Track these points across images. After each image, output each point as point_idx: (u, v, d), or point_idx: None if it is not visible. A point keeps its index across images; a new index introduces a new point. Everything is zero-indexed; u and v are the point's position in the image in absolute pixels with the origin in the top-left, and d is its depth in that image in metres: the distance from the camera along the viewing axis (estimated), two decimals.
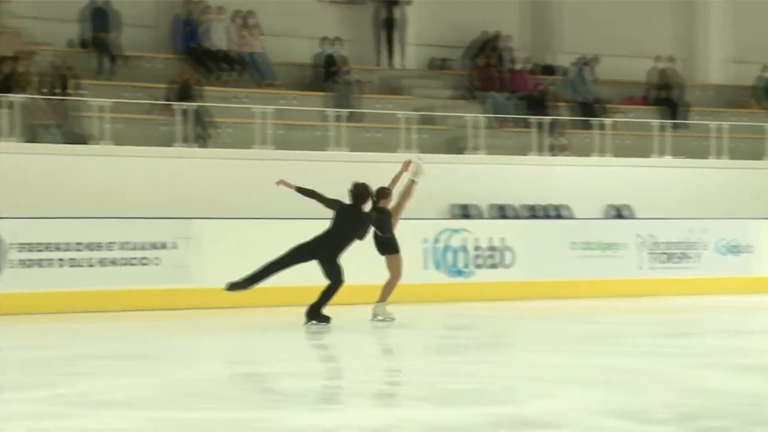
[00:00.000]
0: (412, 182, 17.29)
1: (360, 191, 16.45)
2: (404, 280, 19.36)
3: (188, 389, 11.83)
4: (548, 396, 11.28)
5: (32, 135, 19.60)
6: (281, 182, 16.52)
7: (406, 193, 17.24)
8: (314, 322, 16.00)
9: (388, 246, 16.88)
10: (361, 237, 16.40)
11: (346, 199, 16.34)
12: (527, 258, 20.83)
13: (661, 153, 24.84)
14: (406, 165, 17.26)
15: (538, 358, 14.48)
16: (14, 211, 17.46)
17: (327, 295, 16.09)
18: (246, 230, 18.71)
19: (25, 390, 11.92)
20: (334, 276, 16.10)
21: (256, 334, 16.35)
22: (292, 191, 16.46)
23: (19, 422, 9.98)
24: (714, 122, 25.71)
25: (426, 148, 22.48)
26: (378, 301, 16.86)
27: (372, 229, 16.63)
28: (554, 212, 23.08)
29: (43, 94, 20.33)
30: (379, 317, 16.77)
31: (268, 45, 24.02)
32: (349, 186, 16.50)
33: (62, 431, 9.60)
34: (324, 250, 16.08)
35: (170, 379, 12.44)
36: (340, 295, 16.17)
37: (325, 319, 16.08)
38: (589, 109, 26.05)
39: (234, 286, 15.82)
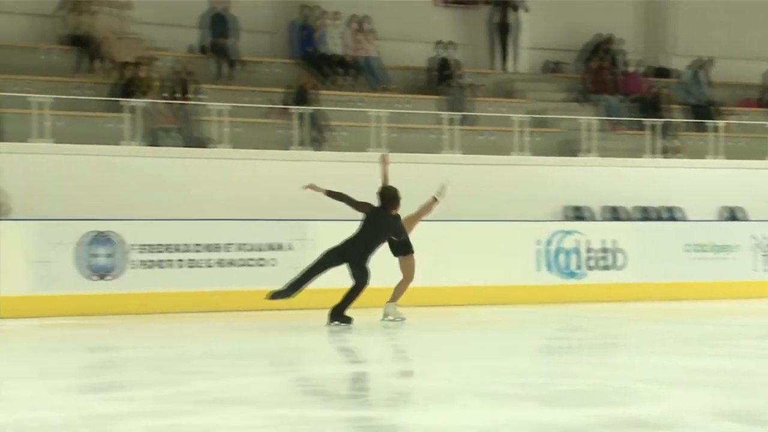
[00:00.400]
0: (434, 200, 17.33)
1: (391, 195, 16.47)
2: (518, 281, 19.41)
3: (305, 388, 11.93)
4: (660, 398, 11.20)
5: (153, 139, 19.86)
6: (310, 186, 16.51)
7: (426, 209, 17.29)
8: (336, 322, 15.95)
9: (402, 247, 16.83)
10: (389, 239, 16.52)
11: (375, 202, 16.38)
12: (639, 260, 20.68)
13: None
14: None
15: (650, 360, 14.37)
16: (135, 213, 17.73)
17: (351, 297, 16.03)
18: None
19: (145, 388, 12.09)
20: (360, 278, 16.06)
21: (365, 334, 16.39)
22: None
23: (139, 420, 10.13)
24: None
25: (539, 151, 22.45)
26: (389, 301, 16.80)
27: None
28: (667, 214, 22.89)
29: (163, 98, 20.58)
30: (390, 317, 16.71)
31: (382, 49, 24.11)
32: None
33: (181, 428, 9.73)
34: (354, 253, 16.05)
35: (287, 378, 12.55)
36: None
37: (347, 320, 16.03)
38: (703, 111, 25.80)
39: (277, 295, 15.82)
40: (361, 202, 16.30)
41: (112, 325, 15.70)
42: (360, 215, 16.23)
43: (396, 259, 16.81)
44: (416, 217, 17.19)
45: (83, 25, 21.87)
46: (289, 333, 16.22)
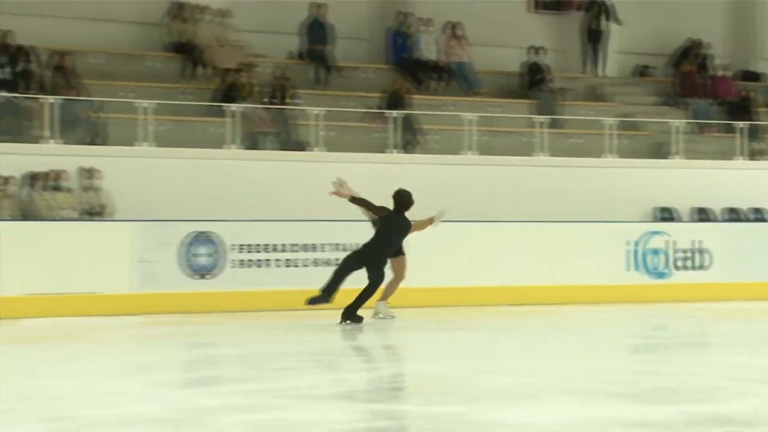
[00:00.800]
0: (430, 221, 16.85)
1: (407, 198, 16.34)
2: (607, 281, 19.28)
3: (395, 384, 11.94)
4: (748, 395, 11.09)
5: (253, 142, 19.98)
6: (337, 192, 16.35)
7: (418, 227, 16.77)
8: (348, 321, 15.85)
9: (396, 250, 16.63)
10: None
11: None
12: (726, 260, 20.45)
13: None
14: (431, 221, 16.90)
15: (737, 359, 14.22)
16: (235, 214, 17.83)
17: (364, 297, 15.98)
18: (449, 232, 18.74)
19: (242, 383, 12.17)
20: (375, 280, 16.06)
21: (449, 331, 16.35)
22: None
23: (237, 414, 10.18)
24: None
25: (628, 153, 22.29)
26: (380, 299, 16.55)
27: None
28: (754, 216, 22.61)
29: (263, 103, 20.70)
30: (380, 315, 16.49)
31: (474, 54, 24.05)
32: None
33: (278, 423, 9.77)
34: (373, 257, 16.02)
35: (377, 375, 12.56)
36: None
37: (359, 320, 15.94)
38: None
39: (314, 301, 15.81)
40: (380, 207, 16.26)
41: (211, 322, 15.81)
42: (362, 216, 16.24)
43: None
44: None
45: (187, 33, 22.07)
46: (380, 331, 16.23)
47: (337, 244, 18.01)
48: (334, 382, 12.03)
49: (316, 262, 17.86)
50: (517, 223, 19.32)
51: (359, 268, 15.99)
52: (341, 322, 15.82)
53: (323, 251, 18.02)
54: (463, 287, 18.43)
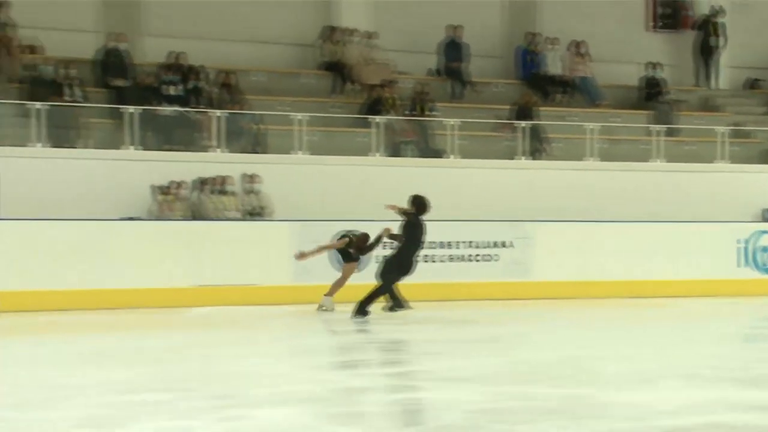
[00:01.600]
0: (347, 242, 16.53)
1: (426, 203, 15.81)
2: (720, 276, 19.02)
3: (527, 369, 11.88)
4: None
5: (395, 150, 20.05)
6: (390, 207, 15.78)
7: (331, 246, 16.49)
8: (360, 316, 15.33)
9: (352, 255, 16.39)
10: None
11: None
12: None
13: None
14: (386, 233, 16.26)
15: None
16: (378, 215, 17.83)
17: (375, 295, 15.51)
18: (574, 231, 18.66)
19: (384, 367, 12.21)
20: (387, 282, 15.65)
21: (574, 321, 16.21)
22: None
23: (381, 394, 10.23)
24: None
25: (738, 159, 21.91)
26: (327, 294, 16.10)
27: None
28: None
29: (404, 115, 20.76)
30: (324, 307, 16.05)
31: (596, 69, 23.86)
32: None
33: (419, 402, 9.79)
34: (410, 263, 15.63)
35: (505, 360, 12.51)
36: None
37: (365, 314, 15.40)
38: None
39: (357, 315, 15.33)
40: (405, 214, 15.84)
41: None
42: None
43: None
44: (326, 248, 16.71)
45: (337, 53, 22.25)
46: (512, 322, 16.16)
47: (471, 242, 17.99)
48: (468, 366, 12.01)
49: (451, 258, 17.85)
50: (636, 224, 19.11)
51: (400, 280, 15.71)
52: (353, 317, 15.30)
53: (458, 248, 18.00)
54: (590, 281, 18.29)
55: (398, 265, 15.48)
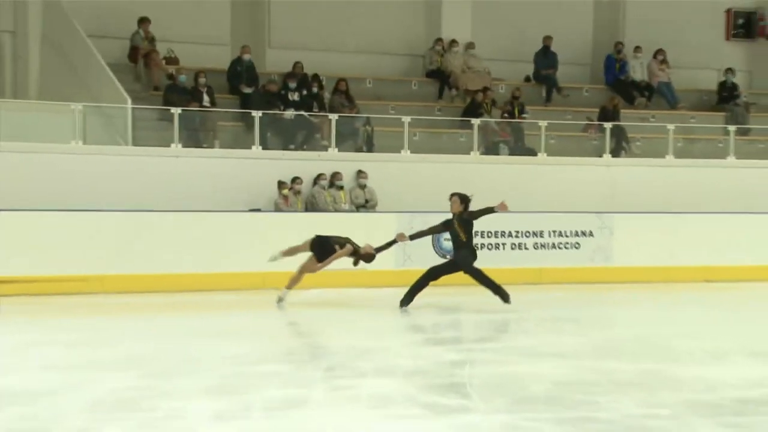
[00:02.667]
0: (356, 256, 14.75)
1: (469, 199, 14.63)
2: None
3: (606, 345, 11.83)
4: None
5: (491, 149, 20.00)
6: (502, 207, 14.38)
7: (338, 255, 14.64)
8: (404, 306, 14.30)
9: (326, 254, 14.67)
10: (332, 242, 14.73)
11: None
12: None
13: None
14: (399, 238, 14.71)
15: None
16: (479, 206, 17.84)
17: (491, 284, 14.27)
18: (652, 222, 18.48)
19: (478, 343, 12.23)
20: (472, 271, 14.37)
21: (651, 302, 16.04)
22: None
23: (480, 367, 10.26)
24: None
25: None
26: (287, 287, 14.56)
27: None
28: None
29: (501, 117, 20.70)
30: (281, 300, 14.41)
31: (676, 75, 23.54)
32: None
33: (515, 375, 9.81)
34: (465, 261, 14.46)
35: (592, 338, 12.45)
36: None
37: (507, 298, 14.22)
38: None
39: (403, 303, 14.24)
40: (441, 224, 14.61)
41: (455, 294, 15.83)
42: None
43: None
44: (333, 258, 14.76)
45: (442, 62, 22.27)
46: (597, 304, 16.04)
47: (555, 231, 17.89)
48: (554, 343, 11.98)
49: (535, 246, 17.73)
50: (709, 215, 18.87)
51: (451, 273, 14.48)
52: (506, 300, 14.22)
53: (543, 237, 17.89)
54: (666, 266, 18.09)
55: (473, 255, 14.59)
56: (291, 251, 14.63)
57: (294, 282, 14.51)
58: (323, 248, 14.54)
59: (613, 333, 12.80)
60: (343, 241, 14.60)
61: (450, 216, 14.50)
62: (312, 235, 14.72)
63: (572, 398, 8.75)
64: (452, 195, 14.62)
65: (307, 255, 14.69)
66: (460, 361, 10.64)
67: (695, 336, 12.46)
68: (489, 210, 14.34)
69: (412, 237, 14.69)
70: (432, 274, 14.32)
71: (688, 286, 17.40)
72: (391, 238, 14.61)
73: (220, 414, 8.08)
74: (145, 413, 8.08)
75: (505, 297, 14.16)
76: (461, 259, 14.33)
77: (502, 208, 14.27)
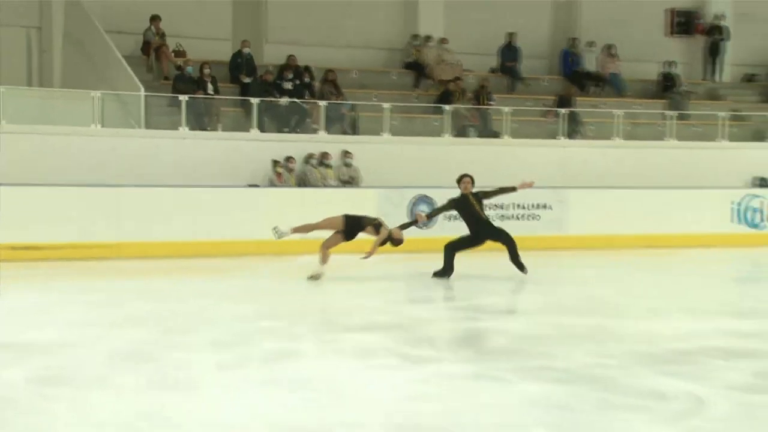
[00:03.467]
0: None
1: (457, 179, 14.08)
2: (717, 231, 18.74)
3: (561, 304, 11.83)
4: None
5: (460, 132, 19.96)
6: (524, 185, 13.93)
7: (378, 241, 13.38)
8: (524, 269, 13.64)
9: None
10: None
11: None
12: None
13: None
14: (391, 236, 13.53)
15: None
16: (446, 182, 17.77)
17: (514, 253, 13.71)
18: (602, 196, 18.50)
19: (446, 301, 12.19)
20: (507, 239, 13.84)
21: (606, 267, 16.06)
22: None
23: (440, 324, 10.27)
24: None
25: (736, 138, 21.47)
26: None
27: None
28: None
29: (471, 104, 20.64)
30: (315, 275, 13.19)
31: (623, 67, 23.51)
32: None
33: (470, 330, 9.81)
34: (485, 231, 13.91)
35: (549, 297, 12.43)
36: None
37: (524, 269, 13.59)
38: None
39: (437, 275, 13.57)
40: (452, 202, 14.00)
41: (430, 259, 15.80)
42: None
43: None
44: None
45: (418, 55, 22.19)
46: (544, 268, 16.06)
47: (518, 204, 17.87)
48: (514, 302, 12.00)
49: (501, 218, 17.64)
50: (651, 190, 18.92)
51: (477, 245, 13.91)
52: (523, 271, 13.66)
53: (507, 209, 17.86)
54: (614, 235, 18.10)
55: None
56: (303, 229, 13.43)
57: (326, 258, 13.29)
58: (354, 227, 13.47)
59: (567, 292, 12.83)
60: (375, 222, 13.54)
61: (457, 195, 13.87)
62: (338, 215, 13.56)
63: (531, 350, 8.80)
64: (465, 176, 13.94)
65: (328, 232, 13.44)
66: (433, 318, 10.67)
67: (638, 295, 12.52)
68: (505, 189, 13.84)
69: (429, 216, 14.21)
70: (455, 249, 13.61)
71: (632, 252, 17.47)
72: (395, 221, 14.09)
73: (222, 364, 8.09)
74: (156, 363, 8.09)
75: (522, 268, 13.51)
76: (500, 232, 13.72)
77: (525, 186, 13.77)
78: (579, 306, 11.49)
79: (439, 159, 18.53)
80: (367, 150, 18.43)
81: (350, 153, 18.32)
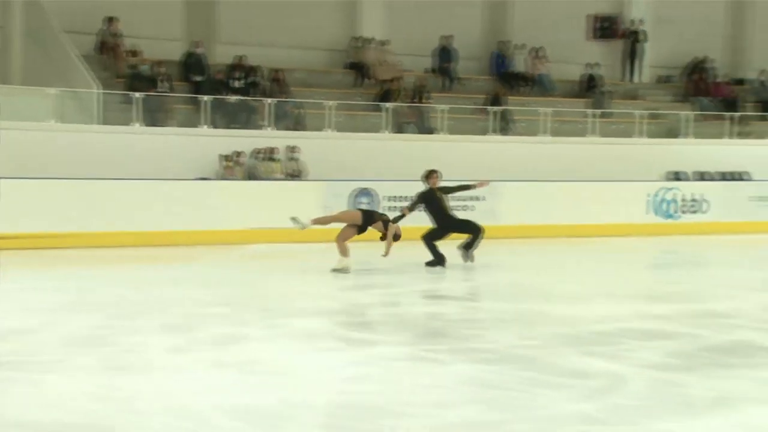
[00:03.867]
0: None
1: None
2: (633, 221, 19.02)
3: (492, 289, 11.87)
4: (736, 298, 10.87)
5: (399, 128, 19.97)
6: (481, 183, 14.25)
7: (390, 234, 13.21)
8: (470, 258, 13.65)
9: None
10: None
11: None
12: (718, 207, 19.93)
13: None
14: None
15: (730, 272, 13.89)
16: (386, 175, 17.87)
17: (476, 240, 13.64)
18: (531, 188, 18.64)
19: (386, 288, 12.18)
20: (475, 228, 13.86)
21: (533, 255, 16.17)
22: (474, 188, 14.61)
23: (381, 309, 10.24)
24: None
25: (652, 135, 21.79)
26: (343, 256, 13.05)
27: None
28: (738, 176, 21.86)
29: (408, 102, 20.65)
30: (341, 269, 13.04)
31: (551, 68, 23.68)
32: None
33: (406, 314, 9.81)
34: (451, 224, 13.99)
35: (479, 283, 12.49)
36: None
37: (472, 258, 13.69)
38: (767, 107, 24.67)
39: (430, 264, 13.56)
40: (420, 196, 13.97)
41: (372, 246, 15.81)
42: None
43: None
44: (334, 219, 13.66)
45: (359, 56, 22.14)
46: (477, 255, 16.13)
47: (456, 196, 17.79)
48: (448, 288, 12.03)
49: None
50: (576, 182, 19.10)
51: (444, 237, 13.92)
52: (468, 257, 13.72)
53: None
54: (542, 225, 18.25)
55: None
56: (323, 220, 13.27)
57: (346, 251, 12.97)
58: (368, 221, 13.29)
59: (497, 278, 12.91)
60: (384, 218, 13.39)
61: (425, 189, 13.78)
62: (355, 209, 14.13)
63: (463, 332, 8.84)
64: (434, 171, 13.82)
65: (341, 225, 13.27)
66: (372, 303, 10.67)
67: (563, 281, 12.63)
68: (465, 187, 13.96)
69: (410, 209, 13.86)
70: (434, 238, 13.60)
71: (558, 240, 17.63)
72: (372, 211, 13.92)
73: (174, 348, 8.02)
74: (111, 347, 7.99)
75: (469, 253, 13.53)
76: (467, 223, 13.77)
77: (482, 185, 14.14)
78: (507, 291, 11.57)
79: (380, 154, 18.54)
80: (312, 145, 18.37)
81: (296, 148, 18.24)
